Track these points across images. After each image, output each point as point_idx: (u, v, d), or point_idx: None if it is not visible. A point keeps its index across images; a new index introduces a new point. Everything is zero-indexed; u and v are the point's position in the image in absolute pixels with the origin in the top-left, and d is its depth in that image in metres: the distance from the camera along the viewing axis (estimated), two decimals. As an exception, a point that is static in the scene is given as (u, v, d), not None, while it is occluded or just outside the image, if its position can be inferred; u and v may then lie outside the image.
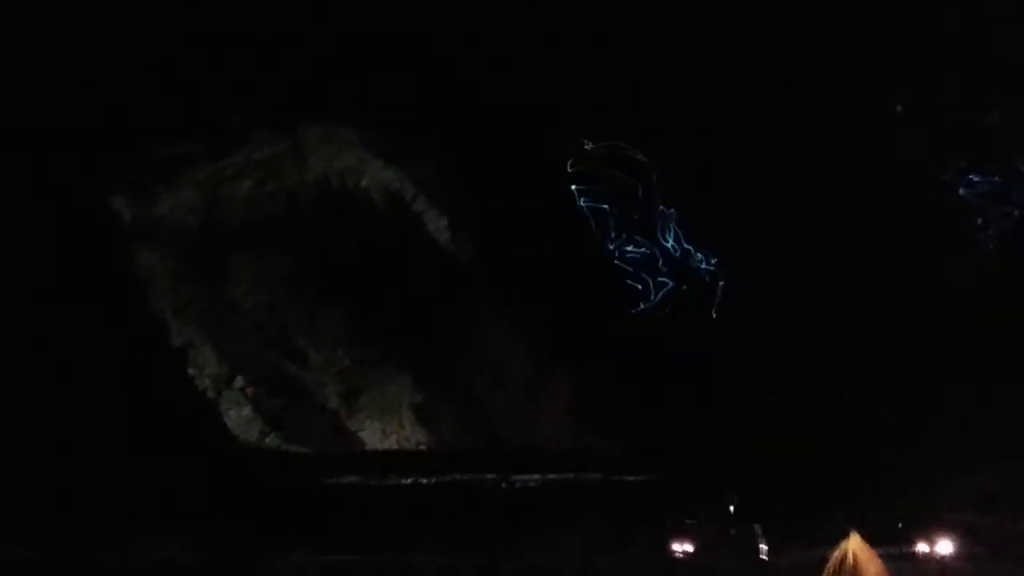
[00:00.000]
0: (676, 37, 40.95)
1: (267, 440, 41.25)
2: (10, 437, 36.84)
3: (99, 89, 41.12)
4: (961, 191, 41.35)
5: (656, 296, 41.00)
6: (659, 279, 41.24)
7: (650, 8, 41.02)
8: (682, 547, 34.16)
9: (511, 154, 41.12)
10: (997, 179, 41.22)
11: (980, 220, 41.16)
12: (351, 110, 42.95)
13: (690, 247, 41.54)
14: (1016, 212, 40.89)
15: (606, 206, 41.50)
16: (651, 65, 40.79)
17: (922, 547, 32.83)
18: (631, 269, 41.42)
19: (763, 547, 33.62)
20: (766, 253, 40.22)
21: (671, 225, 41.59)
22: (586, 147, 41.44)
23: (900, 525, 34.25)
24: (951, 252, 40.72)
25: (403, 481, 38.92)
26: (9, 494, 34.80)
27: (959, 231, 41.25)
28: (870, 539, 27.35)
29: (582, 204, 41.47)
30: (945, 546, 32.82)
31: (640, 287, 41.29)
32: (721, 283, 41.02)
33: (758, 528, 33.83)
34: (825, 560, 26.01)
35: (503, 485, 38.64)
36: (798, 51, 40.96)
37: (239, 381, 41.83)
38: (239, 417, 41.33)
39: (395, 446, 42.14)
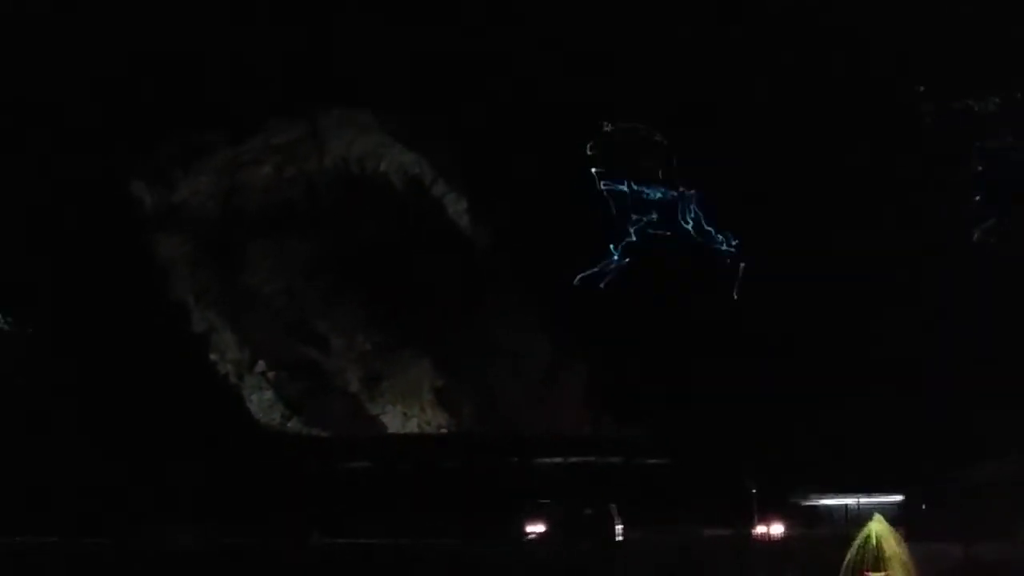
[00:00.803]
0: (695, 23, 40.84)
1: (289, 424, 41.41)
2: (32, 424, 37.07)
3: (118, 78, 41.22)
4: (980, 168, 41.14)
5: (674, 279, 40.86)
6: (679, 262, 41.08)
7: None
8: (535, 528, 34.21)
9: (530, 138, 41.04)
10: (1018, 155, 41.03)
11: (998, 203, 40.93)
12: (369, 94, 42.94)
13: (711, 229, 41.45)
14: None
15: (626, 189, 41.35)
16: (669, 50, 40.67)
17: (944, 528, 32.76)
18: (651, 252, 41.30)
19: (618, 527, 33.40)
20: (785, 238, 40.15)
21: (692, 206, 41.45)
22: (606, 128, 41.27)
23: (923, 507, 34.27)
24: (971, 238, 40.57)
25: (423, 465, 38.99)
26: (28, 481, 35.03)
27: (979, 216, 41.06)
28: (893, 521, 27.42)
29: (602, 187, 41.31)
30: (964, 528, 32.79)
31: (658, 270, 41.12)
32: (742, 264, 40.92)
33: (613, 508, 33.62)
34: (850, 541, 26.06)
35: (524, 469, 38.69)
36: (816, 36, 40.83)
37: (260, 366, 41.99)
38: (261, 401, 41.49)
39: (416, 430, 42.22)
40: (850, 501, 35.39)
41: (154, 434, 37.00)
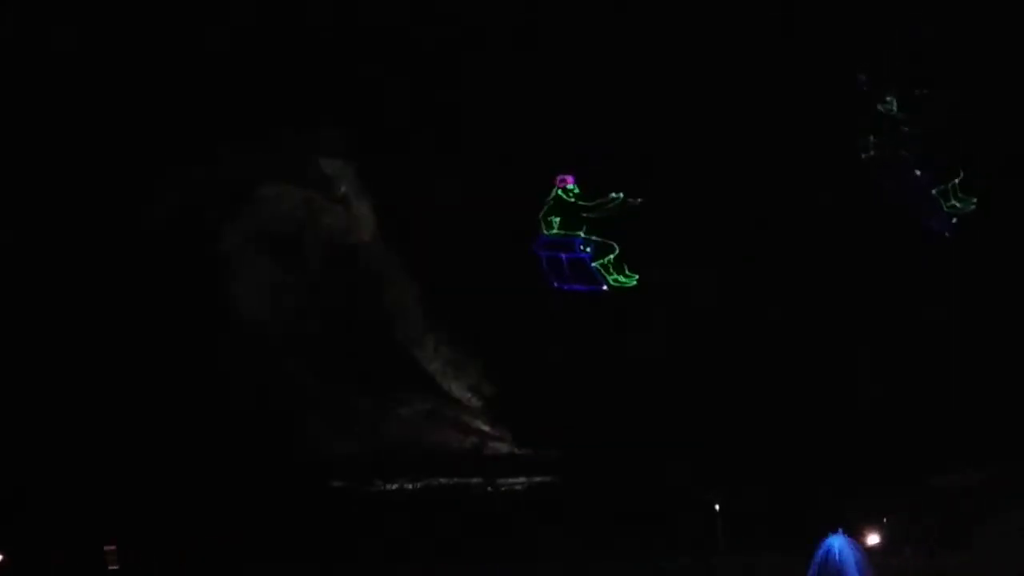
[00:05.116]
0: (627, 45, 40.80)
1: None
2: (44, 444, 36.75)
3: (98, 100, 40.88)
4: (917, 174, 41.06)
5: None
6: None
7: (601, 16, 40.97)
8: None
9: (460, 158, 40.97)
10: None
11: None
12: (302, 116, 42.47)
13: None
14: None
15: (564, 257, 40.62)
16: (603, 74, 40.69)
17: (905, 542, 32.90)
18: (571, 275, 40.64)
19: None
20: (739, 246, 40.23)
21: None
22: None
23: (884, 520, 34.38)
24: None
25: (387, 487, 38.83)
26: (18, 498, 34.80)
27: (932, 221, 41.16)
28: (854, 535, 27.52)
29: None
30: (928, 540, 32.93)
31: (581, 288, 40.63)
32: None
33: None
34: (810, 556, 26.15)
35: (488, 489, 38.60)
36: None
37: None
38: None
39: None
40: None
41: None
